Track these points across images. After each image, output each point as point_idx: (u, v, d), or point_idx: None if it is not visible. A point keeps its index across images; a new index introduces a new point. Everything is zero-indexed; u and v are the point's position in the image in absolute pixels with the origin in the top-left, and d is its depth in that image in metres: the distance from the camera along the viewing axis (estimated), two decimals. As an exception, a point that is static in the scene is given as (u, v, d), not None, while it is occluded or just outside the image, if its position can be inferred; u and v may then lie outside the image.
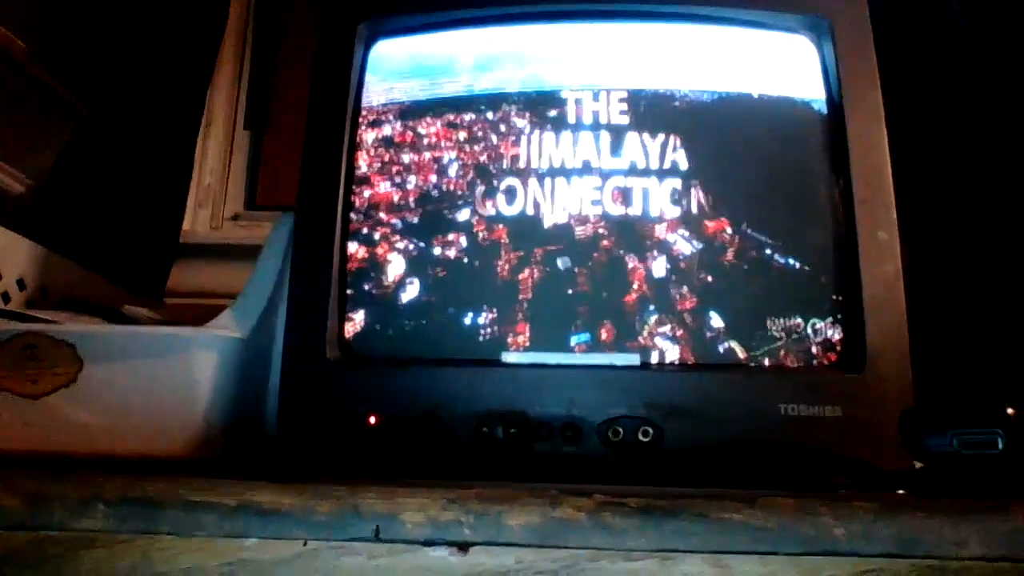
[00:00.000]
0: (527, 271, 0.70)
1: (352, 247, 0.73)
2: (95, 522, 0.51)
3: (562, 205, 0.71)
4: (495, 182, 0.72)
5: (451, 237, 0.72)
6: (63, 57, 1.01)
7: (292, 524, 0.51)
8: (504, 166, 0.72)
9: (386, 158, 0.74)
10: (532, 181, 0.72)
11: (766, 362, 0.68)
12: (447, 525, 0.50)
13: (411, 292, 0.71)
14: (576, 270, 0.70)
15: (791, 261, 0.70)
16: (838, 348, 0.68)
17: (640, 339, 0.68)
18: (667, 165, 0.71)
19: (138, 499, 0.52)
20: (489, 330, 0.69)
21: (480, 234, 0.71)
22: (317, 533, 0.51)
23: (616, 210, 0.71)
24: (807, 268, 0.69)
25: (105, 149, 1.07)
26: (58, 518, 0.51)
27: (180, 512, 0.51)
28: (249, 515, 0.51)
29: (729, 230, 0.70)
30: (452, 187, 0.73)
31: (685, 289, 0.69)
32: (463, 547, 0.50)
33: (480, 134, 0.73)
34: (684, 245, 0.70)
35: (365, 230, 0.73)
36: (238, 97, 1.22)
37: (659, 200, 0.71)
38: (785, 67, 0.73)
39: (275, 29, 1.23)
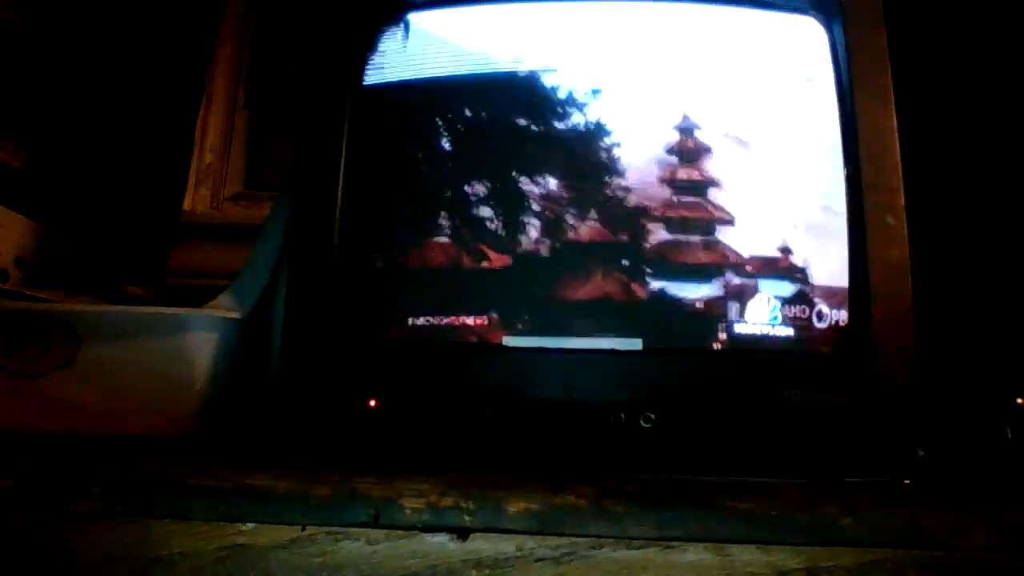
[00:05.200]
0: (529, 253, 0.69)
1: (352, 228, 0.72)
2: (90, 504, 0.51)
3: (565, 189, 0.70)
4: (499, 165, 0.71)
5: (453, 220, 0.71)
6: (61, 31, 1.00)
7: (289, 508, 0.50)
8: (510, 149, 0.71)
9: (388, 136, 0.73)
10: (536, 164, 0.71)
11: (770, 348, 0.67)
12: (446, 511, 0.49)
13: (412, 274, 0.71)
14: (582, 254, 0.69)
15: (797, 245, 0.69)
16: (843, 334, 0.67)
17: (642, 324, 0.67)
18: (670, 148, 0.70)
19: (133, 481, 0.51)
20: (491, 313, 0.69)
21: (483, 217, 0.70)
22: (315, 518, 0.50)
23: (621, 195, 0.70)
24: (813, 252, 0.69)
25: (105, 127, 1.06)
26: (52, 500, 0.51)
27: (176, 495, 0.51)
28: (246, 499, 0.50)
29: (735, 214, 0.69)
30: (455, 168, 0.72)
31: (689, 273, 0.68)
32: (462, 533, 0.50)
33: (484, 115, 0.72)
34: (689, 229, 0.69)
35: (365, 210, 0.72)
36: (239, 75, 1.21)
37: (663, 183, 0.70)
38: (794, 48, 0.72)
39: (277, 6, 1.22)
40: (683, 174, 0.70)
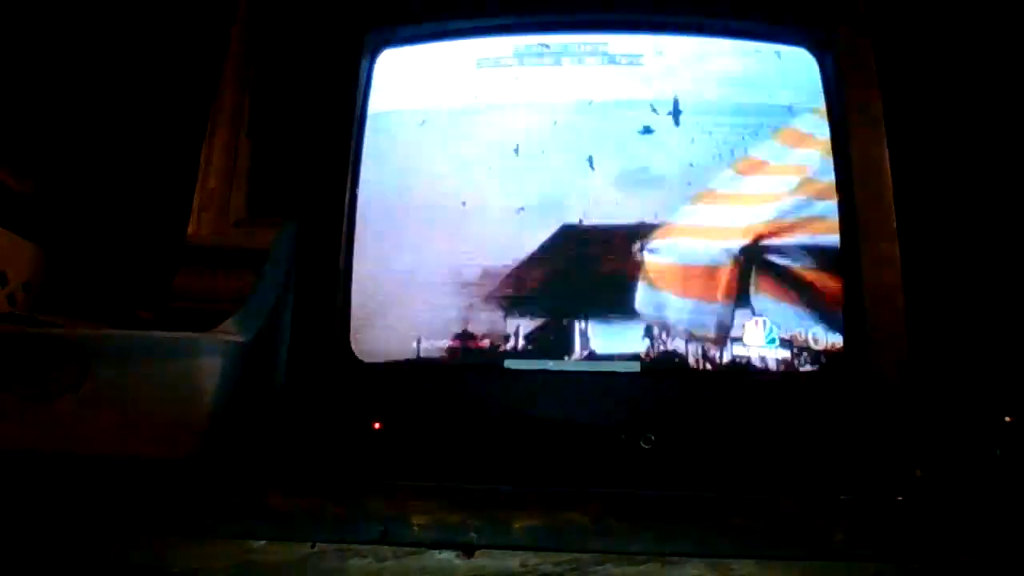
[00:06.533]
0: (531, 276, 0.71)
1: (357, 255, 0.73)
2: (103, 522, 0.52)
3: (567, 209, 0.72)
4: (501, 193, 0.73)
5: (457, 245, 0.72)
6: (70, 62, 1.02)
7: (299, 526, 0.51)
8: (511, 177, 0.73)
9: (392, 166, 0.74)
10: (539, 189, 0.72)
11: (768, 368, 0.68)
12: (453, 528, 0.50)
13: (415, 299, 0.72)
14: (581, 275, 0.70)
15: (793, 270, 0.70)
16: (840, 355, 0.68)
17: (641, 346, 0.69)
18: (668, 173, 0.72)
19: (146, 500, 0.52)
20: (492, 336, 0.70)
21: (484, 240, 0.72)
22: (324, 535, 0.51)
23: (621, 218, 0.71)
24: (809, 277, 0.70)
25: (111, 154, 1.07)
26: (66, 518, 0.52)
27: (188, 513, 0.52)
28: (256, 517, 0.51)
29: (733, 239, 0.70)
30: (458, 196, 0.73)
31: (687, 296, 0.70)
32: (468, 550, 0.51)
33: (486, 144, 0.74)
34: (688, 253, 0.70)
35: (370, 238, 0.73)
36: (242, 104, 1.23)
37: (662, 208, 0.71)
38: (786, 79, 0.74)
39: (280, 37, 1.24)
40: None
